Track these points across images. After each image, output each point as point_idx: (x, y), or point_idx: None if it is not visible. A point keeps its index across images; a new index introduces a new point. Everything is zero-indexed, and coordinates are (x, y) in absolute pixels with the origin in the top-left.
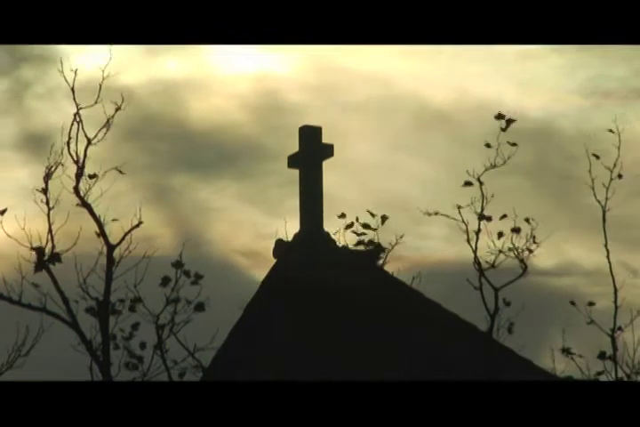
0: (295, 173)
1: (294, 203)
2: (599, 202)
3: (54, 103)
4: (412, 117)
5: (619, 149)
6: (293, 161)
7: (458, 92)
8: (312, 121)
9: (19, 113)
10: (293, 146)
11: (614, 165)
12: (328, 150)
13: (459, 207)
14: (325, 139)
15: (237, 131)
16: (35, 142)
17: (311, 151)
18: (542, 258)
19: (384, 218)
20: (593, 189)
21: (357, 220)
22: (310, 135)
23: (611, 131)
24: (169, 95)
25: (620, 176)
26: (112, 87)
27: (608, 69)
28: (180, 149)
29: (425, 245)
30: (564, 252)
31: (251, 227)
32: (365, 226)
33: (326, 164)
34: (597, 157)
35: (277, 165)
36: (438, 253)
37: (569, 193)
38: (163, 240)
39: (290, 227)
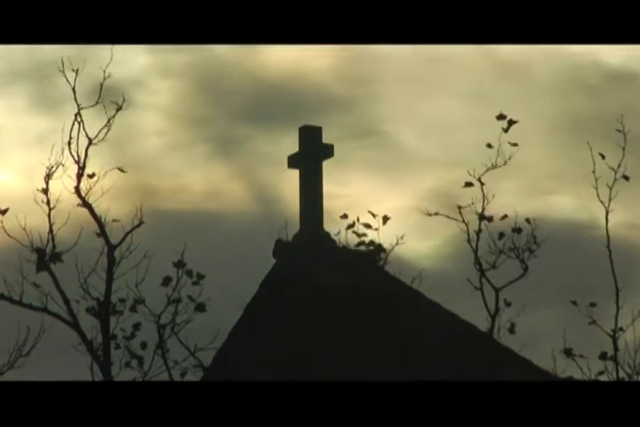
0: (295, 172)
1: (294, 203)
2: (602, 203)
3: (122, 53)
4: (490, 68)
5: (623, 149)
6: (293, 161)
7: None
8: (394, 71)
9: (86, 64)
10: (371, 97)
11: (618, 166)
12: (328, 150)
13: (459, 207)
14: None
15: (313, 81)
16: (105, 95)
17: (311, 151)
18: (616, 213)
19: (385, 218)
20: (596, 189)
21: (358, 220)
22: (310, 135)
23: (618, 130)
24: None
25: (625, 178)
26: None
27: None
28: (253, 100)
29: (495, 201)
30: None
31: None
32: (366, 226)
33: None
34: (603, 157)
35: (350, 117)
36: (505, 208)
37: None
38: (230, 195)
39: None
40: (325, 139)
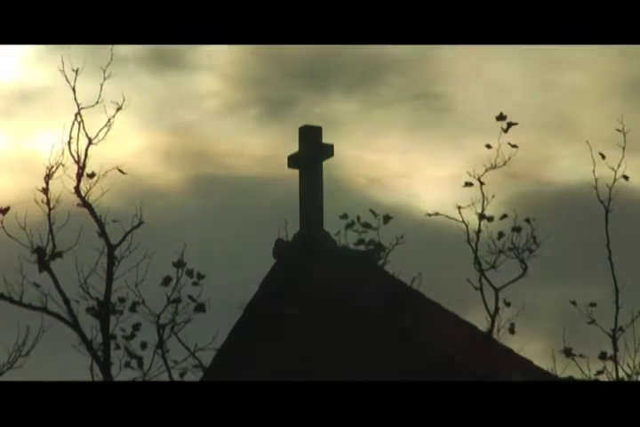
0: (295, 173)
1: (294, 203)
2: (602, 202)
3: None
4: None
5: (623, 149)
6: (293, 161)
7: None
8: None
9: None
10: (428, 58)
11: (618, 166)
12: (328, 150)
13: (459, 207)
14: None
15: None
16: (162, 57)
17: (311, 151)
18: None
19: (387, 218)
20: (596, 189)
21: (359, 219)
22: (310, 135)
23: (618, 130)
24: None
25: (625, 178)
26: None
27: None
28: (310, 61)
29: (553, 165)
30: None
31: (370, 144)
32: (366, 225)
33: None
34: (603, 157)
35: (407, 79)
36: (562, 175)
37: None
38: (282, 160)
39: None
40: (383, 100)
